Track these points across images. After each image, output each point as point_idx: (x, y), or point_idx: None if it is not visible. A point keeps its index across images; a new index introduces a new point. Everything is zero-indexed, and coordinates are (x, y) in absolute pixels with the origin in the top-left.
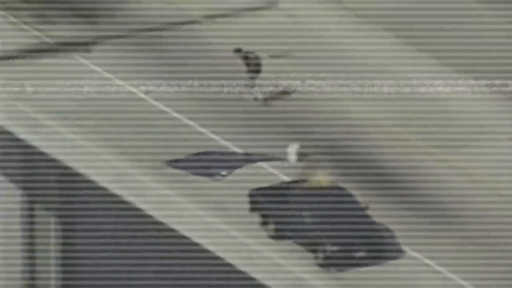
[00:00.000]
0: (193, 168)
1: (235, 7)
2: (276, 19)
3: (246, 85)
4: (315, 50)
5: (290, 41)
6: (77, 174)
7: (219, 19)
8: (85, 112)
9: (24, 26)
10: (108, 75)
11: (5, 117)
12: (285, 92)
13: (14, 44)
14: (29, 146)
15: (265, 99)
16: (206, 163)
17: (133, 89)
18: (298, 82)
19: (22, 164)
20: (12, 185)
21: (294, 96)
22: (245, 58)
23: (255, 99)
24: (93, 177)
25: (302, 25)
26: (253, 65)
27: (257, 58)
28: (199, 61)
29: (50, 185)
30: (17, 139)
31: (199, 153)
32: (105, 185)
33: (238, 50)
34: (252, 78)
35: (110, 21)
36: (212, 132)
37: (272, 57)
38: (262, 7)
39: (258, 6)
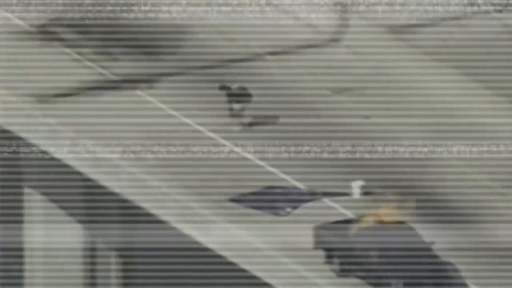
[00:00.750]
0: (258, 204)
1: (298, 44)
2: (339, 56)
3: (232, 115)
4: (378, 88)
5: (353, 78)
6: (138, 208)
7: (281, 56)
8: (149, 146)
9: (88, 63)
10: (172, 112)
11: (67, 151)
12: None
13: (79, 81)
14: (90, 180)
15: (250, 124)
16: (270, 199)
17: (201, 128)
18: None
19: (83, 198)
20: (73, 219)
21: (358, 134)
22: (230, 95)
23: (241, 124)
24: (155, 212)
25: (365, 62)
26: (238, 98)
27: (243, 89)
28: (261, 98)
29: (112, 218)
30: (78, 173)
31: (263, 189)
32: (168, 219)
33: (223, 87)
34: (240, 109)
35: (173, 58)
36: (272, 166)
37: (335, 93)
38: (325, 44)
39: (321, 42)
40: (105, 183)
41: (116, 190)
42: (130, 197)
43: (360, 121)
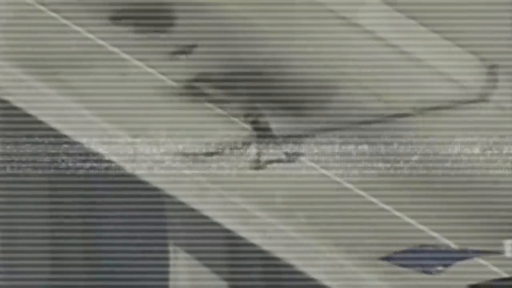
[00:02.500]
0: (409, 262)
1: (446, 99)
2: (487, 111)
3: (259, 148)
4: None
5: (500, 133)
6: (285, 266)
7: (430, 112)
8: (299, 204)
9: (233, 119)
10: (322, 170)
11: (214, 208)
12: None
13: (224, 137)
14: (236, 238)
15: (262, 163)
16: (422, 257)
17: (349, 186)
18: None
19: (228, 256)
20: (217, 277)
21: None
22: (254, 122)
23: (257, 161)
24: (305, 269)
25: None
26: (262, 129)
27: (266, 122)
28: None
29: (255, 276)
30: (225, 230)
31: (414, 247)
32: (318, 277)
33: (247, 115)
34: (264, 143)
35: (319, 114)
36: (420, 223)
37: (483, 149)
38: (474, 100)
39: (471, 98)
40: (253, 241)
41: (265, 248)
42: (279, 255)
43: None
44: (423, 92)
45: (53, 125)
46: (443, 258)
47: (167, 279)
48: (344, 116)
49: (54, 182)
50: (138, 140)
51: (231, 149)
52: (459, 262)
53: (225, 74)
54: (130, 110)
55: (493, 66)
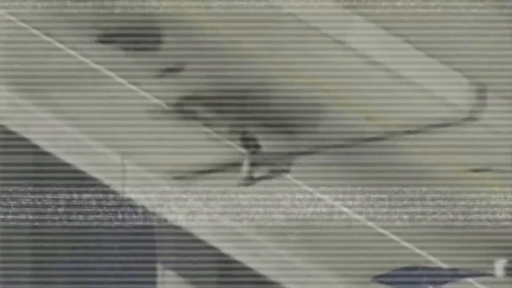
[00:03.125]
0: (400, 284)
1: (435, 123)
2: (479, 135)
3: (249, 165)
4: None
5: (492, 156)
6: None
7: (419, 135)
8: (292, 228)
9: (222, 137)
10: (315, 192)
11: (203, 226)
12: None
13: (216, 159)
14: (224, 255)
15: (255, 179)
16: (413, 279)
17: (346, 210)
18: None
19: (216, 273)
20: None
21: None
22: (244, 140)
23: (247, 177)
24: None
25: (505, 141)
26: (252, 147)
27: (255, 140)
28: (398, 174)
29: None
30: (212, 247)
31: (405, 268)
32: None
33: (237, 133)
34: (254, 160)
35: (309, 136)
36: (418, 247)
37: (474, 171)
38: (462, 122)
39: (459, 121)
40: (242, 259)
41: (255, 267)
42: (274, 279)
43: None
44: (412, 110)
45: (41, 143)
46: (434, 278)
47: None
48: (333, 134)
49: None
50: (127, 160)
51: (220, 168)
52: (450, 283)
53: (214, 93)
54: (120, 129)
55: (481, 85)
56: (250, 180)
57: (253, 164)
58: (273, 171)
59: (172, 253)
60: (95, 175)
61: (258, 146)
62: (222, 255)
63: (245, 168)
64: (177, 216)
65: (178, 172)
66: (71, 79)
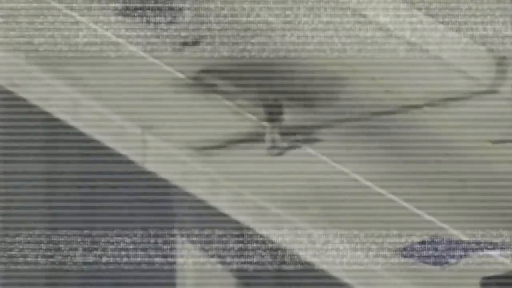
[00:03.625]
0: (420, 256)
1: (455, 96)
2: (497, 103)
3: (272, 134)
4: None
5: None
6: None
7: (439, 106)
8: (313, 201)
9: (243, 110)
10: (335, 164)
11: (226, 200)
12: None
13: (237, 133)
14: (244, 228)
15: (281, 148)
16: (434, 251)
17: (370, 184)
18: None
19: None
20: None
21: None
22: (267, 106)
23: (272, 147)
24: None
25: None
26: (275, 113)
27: (281, 109)
28: (419, 151)
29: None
30: (235, 221)
31: (426, 241)
32: None
33: (274, 99)
34: (276, 127)
35: (328, 109)
36: (441, 221)
37: (493, 142)
38: (483, 91)
39: (480, 91)
40: (264, 232)
41: (277, 240)
42: (296, 252)
43: None
44: (432, 83)
45: (59, 116)
46: (456, 251)
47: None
48: (353, 107)
49: (52, 173)
50: (148, 133)
51: (241, 140)
52: (472, 254)
53: (234, 66)
54: (140, 102)
55: (502, 58)
56: (276, 149)
57: (277, 134)
58: (294, 143)
59: (193, 227)
60: (116, 147)
61: (281, 118)
62: (244, 228)
63: (269, 138)
64: (197, 190)
65: (199, 145)
66: (92, 53)
